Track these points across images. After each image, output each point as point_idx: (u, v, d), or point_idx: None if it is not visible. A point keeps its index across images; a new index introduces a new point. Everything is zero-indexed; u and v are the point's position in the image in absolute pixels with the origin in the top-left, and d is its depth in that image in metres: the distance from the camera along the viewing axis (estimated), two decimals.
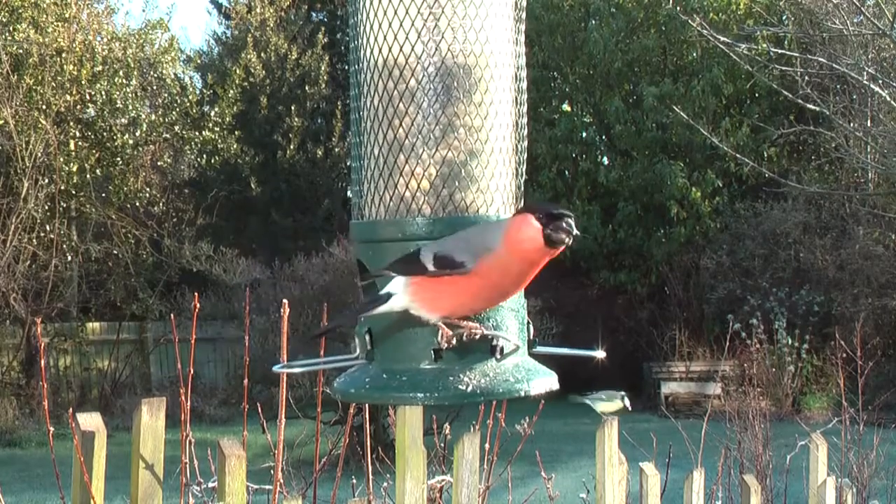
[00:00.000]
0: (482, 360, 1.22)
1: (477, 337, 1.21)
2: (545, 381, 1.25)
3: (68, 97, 13.59)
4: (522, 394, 1.23)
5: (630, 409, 3.21)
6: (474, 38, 1.24)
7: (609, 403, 3.19)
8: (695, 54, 15.97)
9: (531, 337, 1.29)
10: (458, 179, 1.24)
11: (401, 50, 1.24)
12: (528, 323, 1.29)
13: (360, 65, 1.30)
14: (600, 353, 1.38)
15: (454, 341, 1.20)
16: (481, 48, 1.25)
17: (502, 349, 1.22)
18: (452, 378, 1.21)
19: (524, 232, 1.17)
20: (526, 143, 1.32)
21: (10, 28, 13.32)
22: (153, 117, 14.73)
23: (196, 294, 2.28)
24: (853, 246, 14.04)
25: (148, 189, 14.94)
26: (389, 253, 1.24)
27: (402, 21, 1.23)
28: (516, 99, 1.30)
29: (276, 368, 1.35)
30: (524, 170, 1.32)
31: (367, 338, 1.26)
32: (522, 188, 1.31)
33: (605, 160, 16.34)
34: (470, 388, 1.20)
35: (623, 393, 3.23)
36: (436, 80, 1.24)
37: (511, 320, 1.25)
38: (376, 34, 1.26)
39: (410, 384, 1.22)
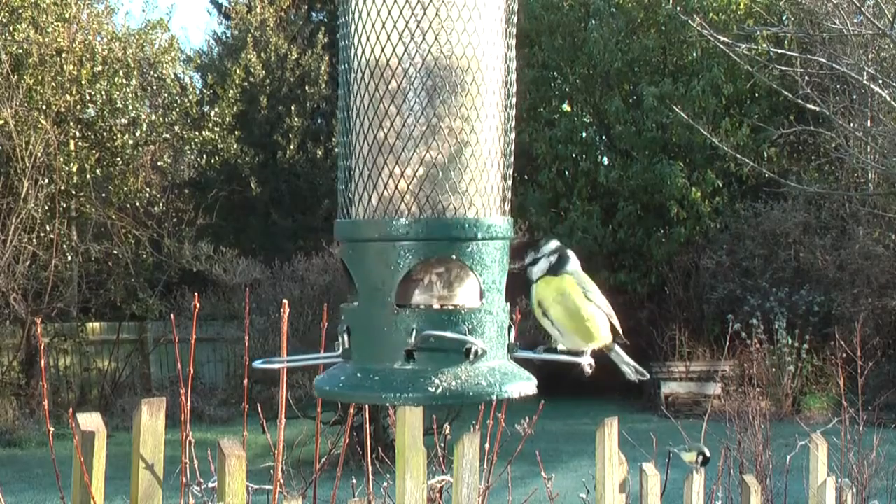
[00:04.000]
0: (456, 362, 1.22)
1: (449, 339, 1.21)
2: (521, 386, 1.25)
3: (68, 97, 13.59)
4: (494, 398, 1.22)
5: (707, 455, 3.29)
6: (458, 40, 1.24)
7: (689, 454, 3.26)
8: (695, 54, 15.97)
9: (512, 341, 1.29)
10: (438, 182, 1.24)
11: (384, 51, 1.24)
12: (510, 327, 1.28)
13: (348, 64, 1.30)
14: (585, 359, 1.38)
15: (426, 342, 1.21)
16: (467, 50, 1.24)
17: (476, 352, 1.22)
18: (423, 379, 1.21)
19: None
20: (513, 146, 1.32)
21: (10, 28, 13.32)
22: (153, 117, 14.73)
23: (196, 294, 2.28)
24: (853, 246, 14.04)
25: (148, 189, 14.93)
26: (370, 253, 1.24)
27: (384, 22, 1.23)
28: (504, 102, 1.30)
29: (256, 364, 1.36)
30: (511, 172, 1.31)
31: (346, 336, 1.26)
32: (509, 192, 1.31)
33: (605, 160, 16.34)
34: (439, 391, 1.20)
35: (702, 453, 3.29)
36: (421, 81, 1.24)
37: (489, 324, 1.25)
38: (363, 34, 1.26)
39: (382, 384, 1.22)
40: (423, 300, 1.26)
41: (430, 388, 1.20)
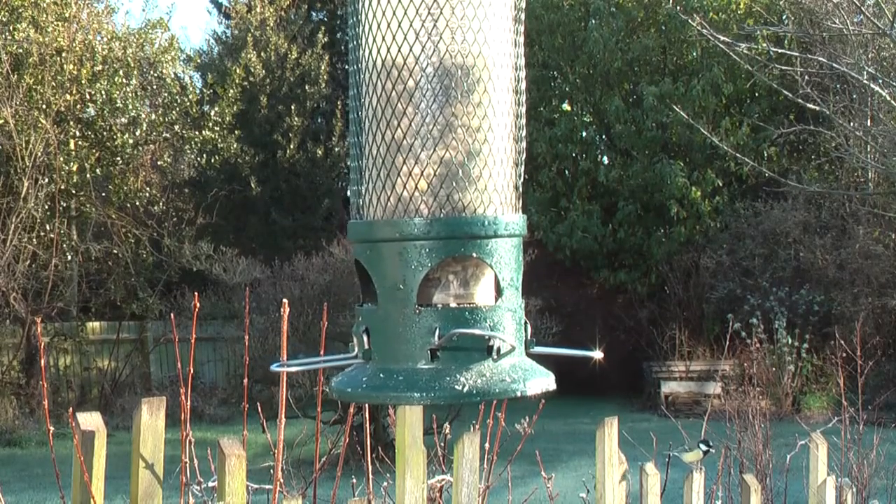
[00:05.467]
0: (479, 360, 1.23)
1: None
2: (542, 382, 1.25)
3: (68, 97, 13.59)
4: (518, 394, 1.23)
5: (712, 450, 3.29)
6: (473, 38, 1.24)
7: (691, 454, 3.26)
8: (695, 54, 15.97)
9: (528, 337, 1.29)
10: (456, 180, 1.24)
11: (399, 50, 1.24)
12: (526, 323, 1.29)
13: (360, 65, 1.30)
14: (598, 354, 1.38)
15: (451, 341, 1.21)
16: (479, 49, 1.25)
17: (499, 349, 1.22)
18: (449, 378, 1.21)
19: None
20: (525, 143, 1.32)
21: (10, 28, 13.32)
22: (153, 117, 14.73)
23: (196, 294, 2.28)
24: (853, 245, 14.04)
25: (148, 189, 14.94)
26: (389, 253, 1.24)
27: (400, 22, 1.24)
28: (515, 100, 1.30)
29: (274, 367, 1.36)
30: (523, 170, 1.32)
31: (365, 337, 1.26)
32: (521, 189, 1.31)
33: (605, 160, 16.34)
34: (466, 388, 1.20)
35: (704, 442, 3.30)
36: (435, 80, 1.24)
37: (508, 321, 1.25)
38: (375, 35, 1.26)
39: (407, 384, 1.22)
40: (441, 299, 1.26)
41: (456, 387, 1.20)
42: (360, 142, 1.31)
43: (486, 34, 1.25)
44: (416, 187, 1.24)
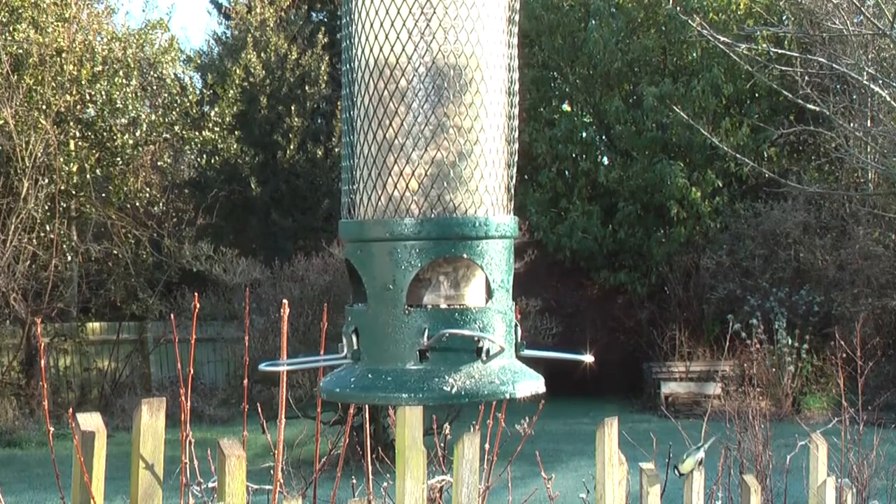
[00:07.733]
0: (468, 361, 1.22)
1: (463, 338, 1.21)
2: (531, 384, 1.25)
3: (68, 97, 13.59)
4: (507, 396, 1.22)
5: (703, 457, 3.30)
6: (466, 38, 1.24)
7: (686, 464, 3.26)
8: (695, 54, 15.97)
9: (518, 339, 1.29)
10: (447, 180, 1.24)
11: (392, 50, 1.24)
12: (516, 325, 1.28)
13: (353, 64, 1.30)
14: (588, 358, 1.37)
15: (440, 342, 1.20)
16: (472, 49, 1.24)
17: (488, 351, 1.22)
18: (437, 379, 1.20)
19: None
20: (517, 144, 1.32)
21: (10, 28, 13.32)
22: (153, 117, 14.73)
23: (196, 294, 2.28)
24: (853, 246, 14.04)
25: (148, 189, 14.95)
26: (379, 253, 1.24)
27: (393, 21, 1.23)
28: (508, 101, 1.30)
29: (262, 367, 1.35)
30: (514, 171, 1.31)
31: (354, 337, 1.26)
32: (513, 190, 1.31)
33: (605, 160, 16.35)
34: (454, 390, 1.20)
35: (702, 447, 3.30)
36: (427, 80, 1.23)
37: (498, 322, 1.25)
38: (368, 34, 1.26)
39: (395, 384, 1.21)
40: (431, 300, 1.25)
41: (445, 388, 1.20)
42: (351, 141, 1.30)
43: (480, 34, 1.25)
44: (408, 187, 1.24)
